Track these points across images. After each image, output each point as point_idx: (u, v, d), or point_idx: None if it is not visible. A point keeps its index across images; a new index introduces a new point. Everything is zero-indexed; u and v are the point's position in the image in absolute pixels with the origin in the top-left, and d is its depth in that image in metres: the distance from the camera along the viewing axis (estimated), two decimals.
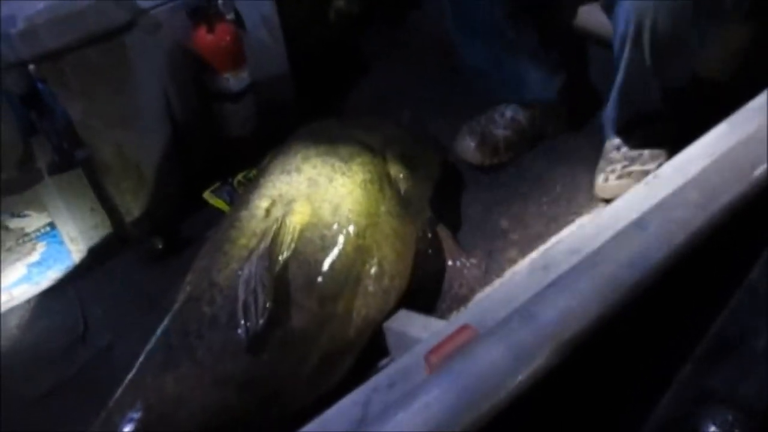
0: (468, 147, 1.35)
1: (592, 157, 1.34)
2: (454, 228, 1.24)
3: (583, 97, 1.43)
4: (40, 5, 1.04)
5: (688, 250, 0.54)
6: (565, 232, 1.08)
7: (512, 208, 1.30)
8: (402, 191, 1.14)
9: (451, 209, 1.29)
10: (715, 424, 0.45)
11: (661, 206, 0.58)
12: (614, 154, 1.26)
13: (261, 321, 0.85)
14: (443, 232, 1.17)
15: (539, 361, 0.47)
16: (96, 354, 1.16)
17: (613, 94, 1.20)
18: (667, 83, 1.10)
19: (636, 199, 0.66)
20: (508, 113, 1.39)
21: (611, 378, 0.55)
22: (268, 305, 0.86)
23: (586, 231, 0.64)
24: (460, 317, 0.54)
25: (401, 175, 1.16)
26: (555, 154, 1.40)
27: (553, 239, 1.07)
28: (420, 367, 0.50)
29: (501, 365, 0.47)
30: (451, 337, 0.50)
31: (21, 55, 1.04)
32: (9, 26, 1.02)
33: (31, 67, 1.06)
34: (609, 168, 1.26)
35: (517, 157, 1.39)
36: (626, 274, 0.52)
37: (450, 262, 1.14)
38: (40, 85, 1.08)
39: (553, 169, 1.36)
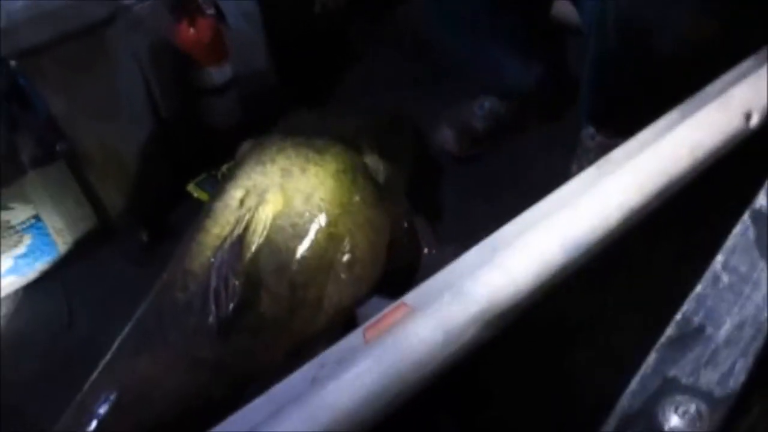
0: (447, 137, 1.37)
1: (570, 146, 1.35)
2: (432, 217, 1.26)
3: (563, 86, 1.44)
4: (20, 2, 1.06)
5: (622, 232, 0.56)
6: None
7: (489, 197, 1.32)
8: (379, 180, 1.16)
9: (429, 198, 1.31)
10: (677, 413, 0.45)
11: (598, 190, 0.60)
12: (589, 143, 1.28)
13: (231, 306, 0.88)
14: (420, 222, 1.19)
15: (467, 336, 0.49)
16: (80, 343, 1.20)
17: (586, 83, 1.21)
18: (636, 69, 1.11)
19: (584, 182, 0.68)
20: (487, 104, 1.41)
21: (550, 357, 0.57)
22: (238, 291, 0.89)
23: (533, 213, 0.66)
24: (404, 297, 0.56)
25: (376, 165, 1.17)
26: (534, 143, 1.41)
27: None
28: (359, 342, 0.52)
29: (431, 339, 0.49)
30: (388, 314, 0.52)
31: (2, 51, 1.06)
32: None
33: (12, 63, 1.08)
34: (584, 157, 1.27)
35: (496, 147, 1.40)
36: (557, 255, 0.54)
37: (426, 251, 1.16)
38: (21, 81, 1.11)
39: (531, 158, 1.38)
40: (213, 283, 0.91)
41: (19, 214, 1.19)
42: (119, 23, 1.18)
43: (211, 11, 1.31)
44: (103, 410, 0.87)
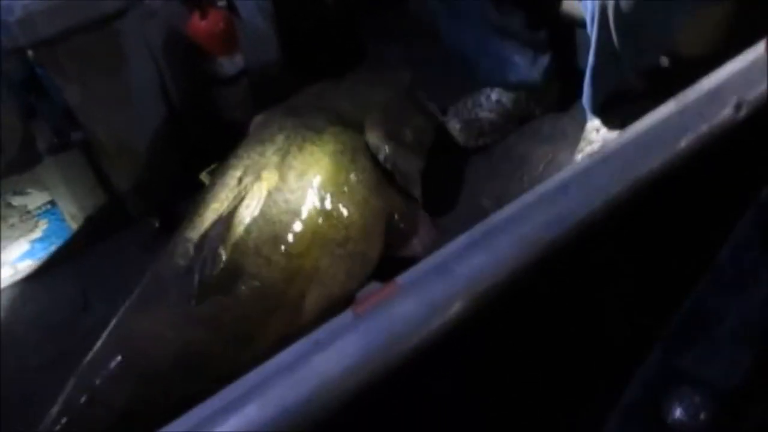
0: (453, 129, 1.39)
1: (575, 139, 1.36)
2: (436, 207, 1.28)
3: (569, 78, 1.45)
4: None
5: (604, 214, 0.58)
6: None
7: (494, 188, 1.34)
8: (381, 159, 1.16)
9: (434, 189, 1.33)
10: (681, 406, 0.45)
11: (584, 174, 0.61)
12: (593, 135, 1.29)
13: (213, 272, 0.95)
14: (421, 212, 1.21)
15: (451, 312, 0.52)
16: (96, 325, 1.23)
17: (588, 76, 1.22)
18: (638, 62, 1.12)
19: (576, 169, 0.69)
20: (494, 96, 1.42)
21: (532, 338, 0.59)
22: (223, 258, 0.95)
23: (527, 199, 0.68)
24: (397, 278, 0.59)
25: (379, 144, 1.17)
26: (539, 135, 1.43)
27: None
28: (348, 318, 0.54)
29: (414, 315, 0.51)
30: (377, 292, 0.55)
31: (19, 42, 1.10)
32: (8, 15, 1.09)
33: (30, 53, 1.12)
34: (588, 149, 1.28)
35: (502, 139, 1.42)
36: (542, 234, 0.56)
37: (428, 242, 1.18)
38: (38, 71, 1.15)
39: (536, 150, 1.39)
40: (203, 252, 0.97)
41: (35, 199, 1.23)
42: (132, 15, 1.22)
43: (222, 2, 1.34)
44: (111, 365, 0.92)
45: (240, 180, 1.06)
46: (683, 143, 0.64)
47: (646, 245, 0.66)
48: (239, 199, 1.02)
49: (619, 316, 0.59)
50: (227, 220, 1.00)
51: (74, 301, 1.27)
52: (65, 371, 1.15)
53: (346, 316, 0.56)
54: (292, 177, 1.06)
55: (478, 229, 0.65)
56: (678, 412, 0.45)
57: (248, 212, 1.01)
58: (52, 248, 1.29)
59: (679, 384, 0.47)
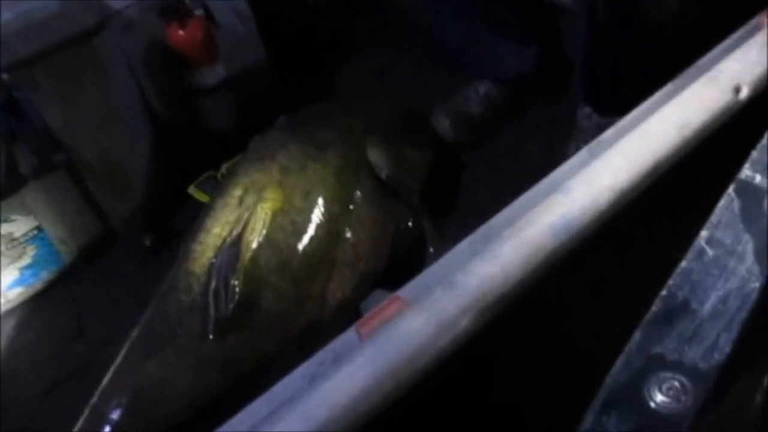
0: (443, 126, 1.37)
1: (567, 127, 1.34)
2: (432, 206, 1.26)
3: (559, 68, 1.43)
4: (8, 14, 1.06)
5: (611, 215, 0.56)
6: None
7: (489, 183, 1.31)
8: (384, 177, 1.15)
9: (428, 188, 1.31)
10: (661, 390, 0.45)
11: (587, 172, 0.59)
12: (586, 123, 1.27)
13: (230, 306, 0.89)
14: (426, 220, 1.19)
15: (460, 327, 0.50)
16: (92, 349, 1.21)
17: (579, 62, 1.20)
18: (627, 46, 1.10)
19: (574, 165, 0.68)
20: (482, 90, 1.40)
21: (543, 344, 0.57)
22: (237, 290, 0.89)
23: (526, 199, 0.66)
24: (398, 291, 0.56)
25: (383, 161, 1.16)
26: (531, 126, 1.41)
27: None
28: (353, 339, 0.52)
29: (423, 333, 0.49)
30: (381, 309, 0.52)
31: None
32: None
33: (5, 75, 1.09)
34: (581, 137, 1.26)
35: (493, 133, 1.40)
36: (547, 240, 0.54)
37: (430, 249, 1.16)
38: (15, 93, 1.11)
39: (529, 141, 1.37)
40: (213, 283, 0.92)
41: (21, 225, 1.20)
42: (109, 29, 1.18)
43: (199, 11, 1.31)
44: (116, 414, 0.89)
45: (241, 200, 1.02)
46: (685, 133, 0.62)
47: (653, 240, 0.64)
48: (243, 223, 0.98)
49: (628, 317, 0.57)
50: (237, 247, 0.95)
51: (68, 327, 1.24)
52: (61, 401, 1.13)
53: (350, 337, 0.54)
54: (296, 197, 1.02)
55: (480, 234, 0.63)
56: (660, 395, 0.45)
57: (254, 237, 0.97)
58: (43, 274, 1.26)
59: (661, 367, 0.47)
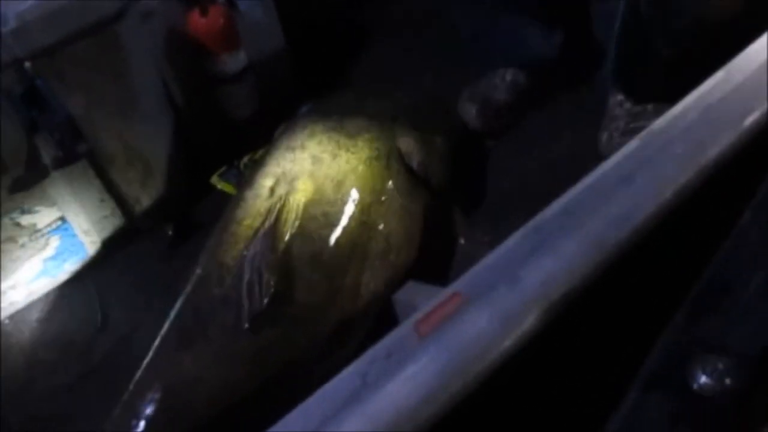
0: (469, 113, 1.34)
1: (597, 116, 1.31)
2: (458, 194, 1.24)
3: (586, 53, 1.40)
4: (29, 2, 1.04)
5: (676, 205, 0.54)
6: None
7: (516, 171, 1.29)
8: (414, 166, 1.12)
9: (456, 176, 1.28)
10: (705, 373, 0.44)
11: (648, 162, 0.57)
12: (617, 111, 1.24)
13: (265, 300, 0.87)
14: (455, 209, 1.17)
15: (525, 325, 0.48)
16: (117, 342, 1.20)
17: (613, 48, 1.17)
18: (667, 32, 1.07)
19: (628, 155, 0.65)
20: (509, 76, 1.37)
21: (600, 337, 0.55)
22: (272, 283, 0.88)
23: (577, 190, 0.63)
24: (452, 285, 0.54)
25: (412, 150, 1.13)
26: (558, 113, 1.38)
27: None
28: (411, 336, 0.50)
29: (487, 331, 0.47)
30: (440, 306, 0.50)
31: (16, 53, 1.05)
32: (2, 25, 1.03)
33: (27, 64, 1.07)
34: (613, 125, 1.24)
35: (520, 120, 1.37)
36: (612, 233, 0.52)
37: (461, 240, 1.13)
38: (38, 82, 1.10)
39: (556, 129, 1.34)
40: (246, 276, 0.90)
41: (44, 217, 1.18)
42: (130, 17, 1.16)
43: None
44: (149, 410, 0.87)
45: (272, 191, 0.99)
46: (749, 120, 0.60)
47: (712, 231, 0.62)
48: (276, 214, 0.95)
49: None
50: (270, 239, 0.93)
51: (92, 318, 1.23)
52: (86, 394, 1.12)
53: (405, 334, 0.52)
54: (328, 187, 0.99)
55: (534, 226, 0.61)
56: (703, 378, 0.44)
57: (286, 229, 0.95)
58: (66, 266, 1.25)
59: (703, 350, 0.46)
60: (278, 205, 0.96)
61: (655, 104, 1.21)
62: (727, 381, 0.44)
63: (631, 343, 0.49)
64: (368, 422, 0.44)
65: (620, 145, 1.20)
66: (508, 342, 0.47)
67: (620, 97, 1.24)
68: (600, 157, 1.23)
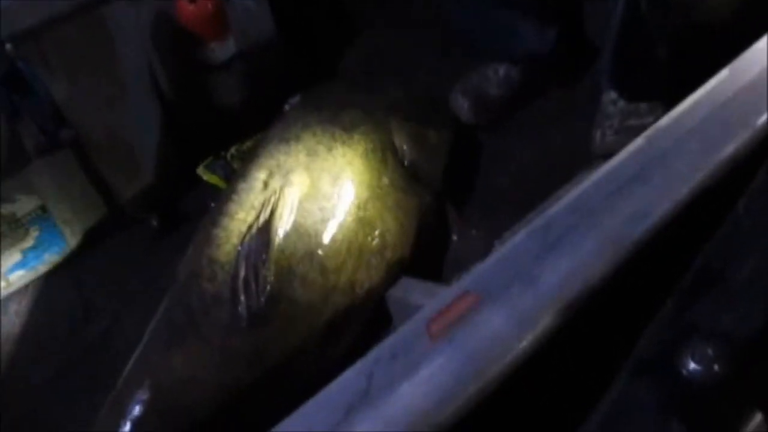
0: (461, 107, 1.33)
1: (589, 112, 1.31)
2: (453, 191, 1.22)
3: (580, 49, 1.39)
4: None
5: (690, 202, 0.53)
6: (563, 191, 1.06)
7: (508, 166, 1.28)
8: (407, 161, 1.11)
9: (448, 171, 1.27)
10: (694, 359, 0.44)
11: (661, 159, 0.56)
12: (611, 108, 1.24)
13: (262, 298, 0.85)
14: (448, 205, 1.15)
15: (542, 326, 0.46)
16: (99, 335, 1.16)
17: (609, 46, 1.17)
18: (664, 30, 1.07)
19: (635, 152, 0.64)
20: (502, 71, 1.36)
21: (600, 331, 0.54)
22: (268, 281, 0.85)
23: (585, 188, 0.62)
24: (461, 284, 0.53)
25: (406, 144, 1.12)
26: (551, 110, 1.37)
27: (552, 198, 1.05)
28: (421, 337, 0.49)
29: (504, 332, 0.46)
30: (452, 305, 0.49)
31: None
32: None
33: (9, 46, 1.03)
34: (606, 123, 1.23)
35: (513, 115, 1.36)
36: (629, 231, 0.51)
37: (454, 237, 1.12)
38: (20, 65, 1.06)
39: (549, 125, 1.34)
40: (242, 273, 0.87)
41: (24, 205, 1.14)
42: (118, 0, 1.12)
43: None
44: (138, 409, 0.84)
45: (266, 183, 0.97)
46: (762, 119, 0.59)
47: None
48: (270, 208, 0.93)
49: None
50: (265, 234, 0.90)
51: (74, 310, 1.20)
52: (67, 387, 1.09)
53: (414, 334, 0.50)
54: (324, 181, 0.97)
55: (543, 224, 0.59)
56: (692, 364, 0.44)
57: (282, 224, 0.92)
58: (46, 257, 1.21)
59: (693, 335, 0.46)
60: (273, 199, 0.93)
61: (648, 102, 1.21)
62: (716, 367, 0.44)
63: (622, 330, 0.48)
64: (385, 424, 0.43)
65: (613, 142, 1.21)
66: (525, 343, 0.46)
67: (614, 95, 1.24)
68: (592, 155, 1.24)
